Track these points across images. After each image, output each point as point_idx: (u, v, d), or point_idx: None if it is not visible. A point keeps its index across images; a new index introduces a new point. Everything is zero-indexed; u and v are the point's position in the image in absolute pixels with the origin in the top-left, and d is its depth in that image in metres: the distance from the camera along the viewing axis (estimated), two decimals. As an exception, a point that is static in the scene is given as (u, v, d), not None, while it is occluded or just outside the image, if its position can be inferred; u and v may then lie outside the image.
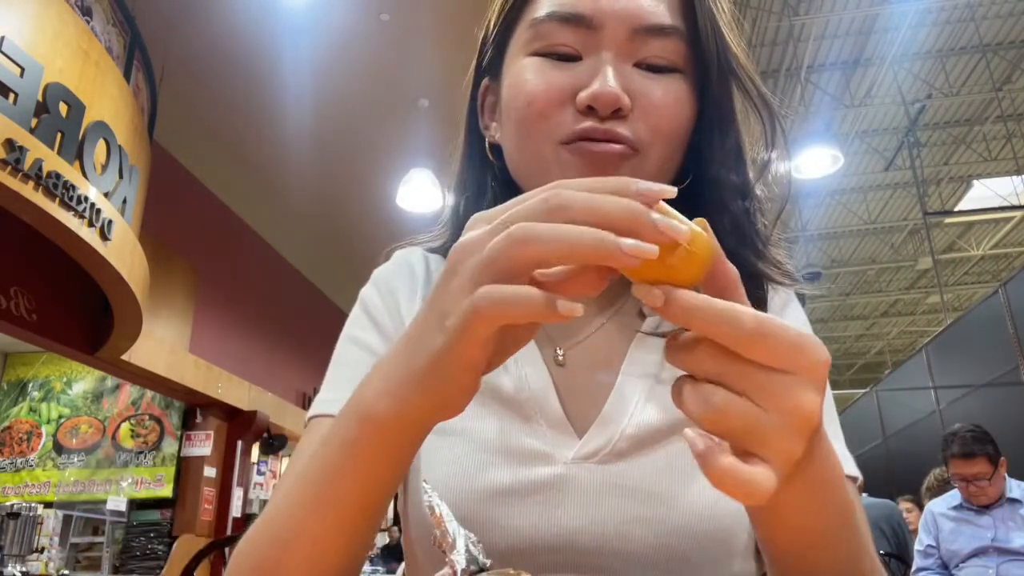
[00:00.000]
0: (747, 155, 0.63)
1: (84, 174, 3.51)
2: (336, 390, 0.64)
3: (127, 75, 4.18)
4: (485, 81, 0.69)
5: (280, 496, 0.50)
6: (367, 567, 5.04)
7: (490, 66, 0.68)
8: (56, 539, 5.67)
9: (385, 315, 0.68)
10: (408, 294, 0.70)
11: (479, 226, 0.38)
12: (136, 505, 6.00)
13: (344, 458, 0.45)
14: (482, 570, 0.34)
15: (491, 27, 0.67)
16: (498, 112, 0.67)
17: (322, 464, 0.46)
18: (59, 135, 3.36)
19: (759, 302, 0.60)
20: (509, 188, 0.68)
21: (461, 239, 0.38)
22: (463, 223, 0.69)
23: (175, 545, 5.62)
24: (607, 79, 0.56)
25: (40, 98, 3.25)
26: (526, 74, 0.60)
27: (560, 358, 0.65)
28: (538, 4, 0.61)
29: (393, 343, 0.43)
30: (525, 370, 0.63)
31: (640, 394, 0.61)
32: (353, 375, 0.63)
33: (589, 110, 0.57)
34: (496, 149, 0.68)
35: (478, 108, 0.70)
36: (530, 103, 0.59)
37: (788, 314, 0.68)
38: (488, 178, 0.69)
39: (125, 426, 6.22)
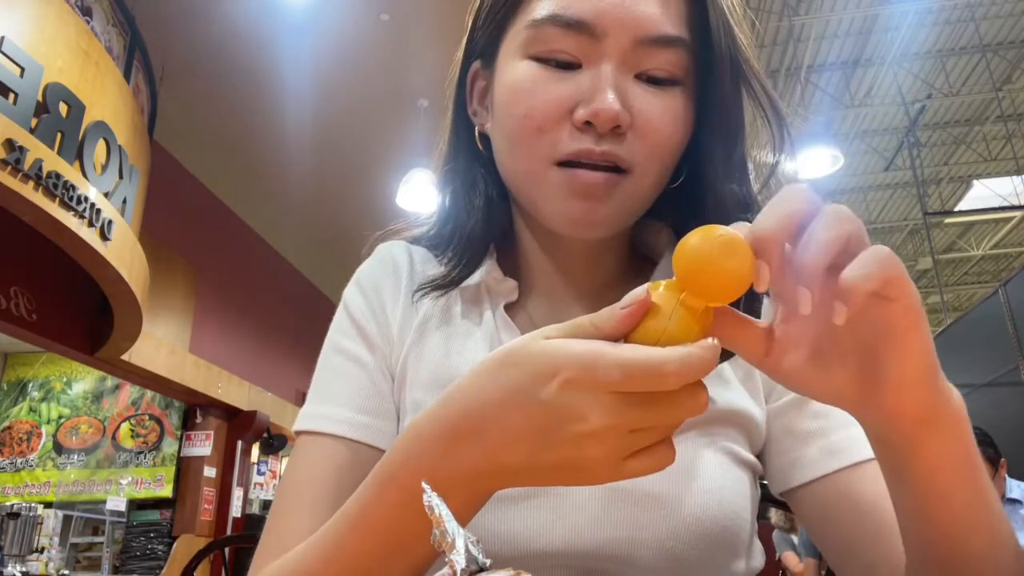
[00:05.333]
0: (751, 164, 0.62)
1: (84, 174, 3.51)
2: (324, 403, 0.64)
3: (127, 75, 4.18)
4: (475, 65, 0.67)
5: (313, 559, 0.49)
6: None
7: (482, 52, 0.65)
8: (56, 539, 5.66)
9: (371, 320, 0.67)
10: (393, 292, 0.69)
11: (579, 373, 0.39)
12: (136, 505, 6.00)
13: (396, 544, 0.45)
14: (482, 570, 0.34)
15: (483, 12, 0.65)
16: (488, 100, 0.65)
17: (367, 545, 0.46)
18: (59, 135, 3.35)
19: (754, 314, 0.60)
20: (499, 182, 0.67)
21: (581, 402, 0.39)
22: (450, 214, 0.69)
23: (175, 545, 5.61)
24: (607, 96, 0.54)
25: (40, 98, 3.25)
26: (525, 83, 0.58)
27: None
28: (537, 1, 0.59)
29: (443, 405, 0.43)
30: None
31: None
32: (340, 387, 0.64)
33: (587, 126, 0.56)
34: (484, 138, 0.66)
35: (466, 93, 0.68)
36: (527, 115, 0.57)
37: None
38: (478, 167, 0.67)
39: (125, 426, 6.22)
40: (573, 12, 0.56)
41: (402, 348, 0.66)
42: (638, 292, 0.40)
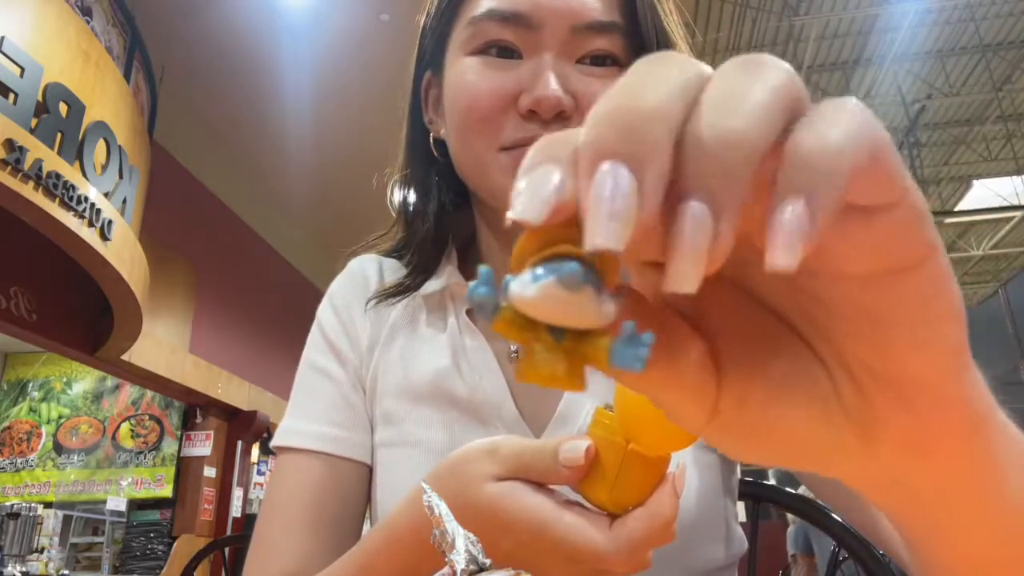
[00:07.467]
0: None
1: (84, 174, 3.51)
2: (299, 418, 0.66)
3: (127, 75, 4.18)
4: (427, 75, 0.68)
5: None
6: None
7: (431, 60, 0.67)
8: (56, 539, 5.66)
9: (342, 336, 0.69)
10: (362, 306, 0.70)
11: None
12: (136, 505, 6.00)
13: None
14: (482, 570, 0.34)
15: (429, 20, 0.66)
16: (441, 108, 0.66)
17: None
18: (59, 135, 3.35)
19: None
20: (455, 185, 0.68)
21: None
22: (411, 221, 0.70)
23: (175, 545, 5.61)
24: (548, 83, 0.56)
25: (40, 98, 3.25)
26: (468, 76, 0.59)
27: (515, 355, 0.65)
28: (477, 0, 0.60)
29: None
30: (480, 373, 0.63)
31: (595, 388, 0.61)
32: (314, 403, 0.66)
33: (531, 114, 0.57)
34: (440, 144, 0.67)
35: (421, 102, 0.69)
36: (471, 107, 0.59)
37: None
38: (433, 174, 0.69)
39: (125, 426, 6.22)
40: (509, 5, 0.58)
41: (371, 360, 0.68)
42: (577, 451, 0.38)
